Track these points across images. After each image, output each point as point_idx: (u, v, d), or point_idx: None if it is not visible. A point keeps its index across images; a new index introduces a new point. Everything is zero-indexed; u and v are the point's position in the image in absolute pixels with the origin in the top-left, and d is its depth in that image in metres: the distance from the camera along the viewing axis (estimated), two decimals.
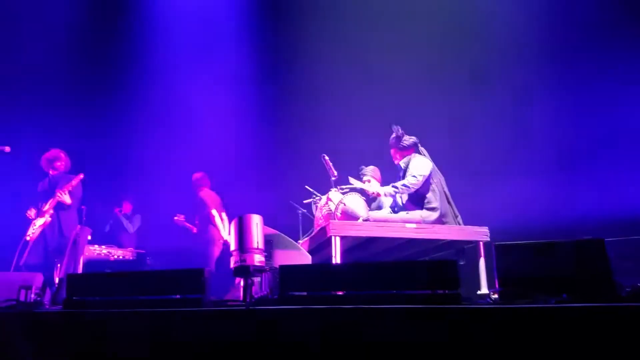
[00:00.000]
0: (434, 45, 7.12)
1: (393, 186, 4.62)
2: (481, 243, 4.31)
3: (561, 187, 6.09)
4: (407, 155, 4.79)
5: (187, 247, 7.26)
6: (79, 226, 5.44)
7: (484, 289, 4.13)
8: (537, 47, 6.62)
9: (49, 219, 5.54)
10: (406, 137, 4.82)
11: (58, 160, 5.82)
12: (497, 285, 2.56)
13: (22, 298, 3.24)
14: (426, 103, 6.84)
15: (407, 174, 4.63)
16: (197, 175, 7.12)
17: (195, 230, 7.21)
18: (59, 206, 5.58)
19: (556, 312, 2.15)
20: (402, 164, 4.80)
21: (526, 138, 6.43)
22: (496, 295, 2.60)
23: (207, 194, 6.96)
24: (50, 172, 5.82)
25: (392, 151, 4.92)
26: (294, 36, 7.97)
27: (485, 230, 4.34)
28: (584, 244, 2.53)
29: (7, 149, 5.60)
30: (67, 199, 5.57)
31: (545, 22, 6.66)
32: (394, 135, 4.85)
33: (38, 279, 3.51)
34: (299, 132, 7.77)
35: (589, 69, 6.27)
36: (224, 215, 6.81)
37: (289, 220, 6.29)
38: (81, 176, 5.78)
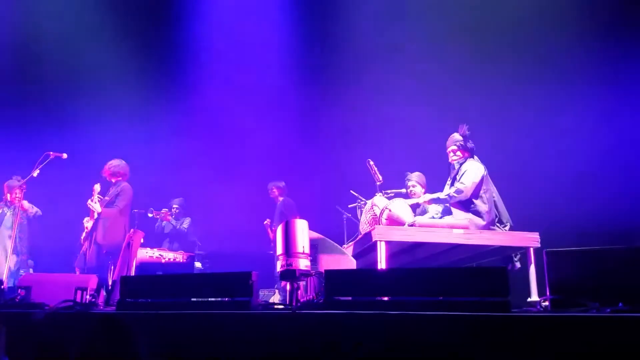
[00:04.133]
0: (480, 46, 6.98)
1: (438, 199, 4.62)
2: (531, 249, 4.19)
3: (617, 190, 5.82)
4: (466, 157, 4.74)
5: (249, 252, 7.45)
6: (132, 229, 5.65)
7: (534, 297, 4.01)
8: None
9: (89, 227, 5.81)
10: (470, 141, 4.77)
11: (112, 168, 6.07)
12: (548, 293, 2.49)
13: (78, 299, 3.39)
14: (473, 106, 6.71)
15: (459, 178, 4.59)
16: (281, 184, 7.45)
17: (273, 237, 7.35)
18: (98, 215, 5.78)
19: (612, 322, 2.06)
20: (456, 163, 4.77)
21: (580, 140, 6.17)
22: (547, 303, 2.52)
23: (291, 202, 7.29)
24: (112, 179, 6.08)
25: (451, 148, 4.81)
26: (337, 45, 8.01)
27: (535, 236, 4.22)
28: None
29: (64, 155, 5.90)
30: (97, 208, 5.74)
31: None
32: (459, 132, 4.79)
33: (93, 280, 3.67)
34: (344, 137, 7.79)
35: None
36: None
37: (334, 224, 6.31)
38: (123, 184, 6.01)
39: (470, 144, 4.75)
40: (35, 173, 5.76)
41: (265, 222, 7.51)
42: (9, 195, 6.42)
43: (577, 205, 5.81)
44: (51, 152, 5.82)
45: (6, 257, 6.14)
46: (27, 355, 2.88)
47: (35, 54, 8.30)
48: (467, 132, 4.76)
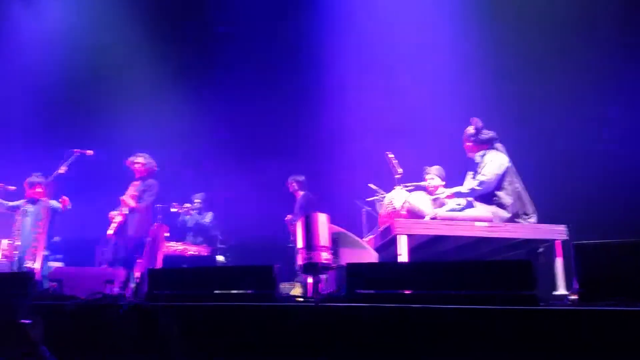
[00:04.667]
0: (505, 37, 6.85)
1: (460, 192, 4.53)
2: (558, 242, 4.12)
3: None
4: (483, 149, 4.65)
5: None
6: (156, 224, 5.74)
7: (561, 290, 3.95)
8: None
9: (121, 219, 5.92)
10: (485, 131, 4.66)
11: (137, 163, 6.16)
12: (575, 286, 2.44)
13: (107, 291, 3.47)
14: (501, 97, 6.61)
15: (480, 170, 4.51)
16: (301, 178, 7.45)
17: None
18: (128, 209, 5.90)
19: None
20: (477, 156, 4.67)
21: (607, 131, 6.03)
22: (575, 297, 2.48)
23: (311, 196, 7.30)
24: (139, 175, 6.18)
25: (467, 144, 4.75)
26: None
27: (562, 228, 4.14)
28: None
29: (90, 152, 6.00)
30: (130, 202, 5.88)
31: None
32: (472, 127, 4.69)
33: (121, 273, 3.75)
34: (364, 129, 7.76)
35: None
36: None
37: (353, 218, 6.30)
38: (151, 181, 6.13)
39: (484, 135, 4.63)
40: (62, 170, 5.86)
41: (287, 217, 7.54)
42: (30, 192, 6.53)
43: (603, 197, 5.68)
44: (76, 149, 5.92)
45: (34, 252, 6.24)
46: (61, 345, 2.95)
47: (57, 51, 8.42)
48: (479, 125, 4.65)
